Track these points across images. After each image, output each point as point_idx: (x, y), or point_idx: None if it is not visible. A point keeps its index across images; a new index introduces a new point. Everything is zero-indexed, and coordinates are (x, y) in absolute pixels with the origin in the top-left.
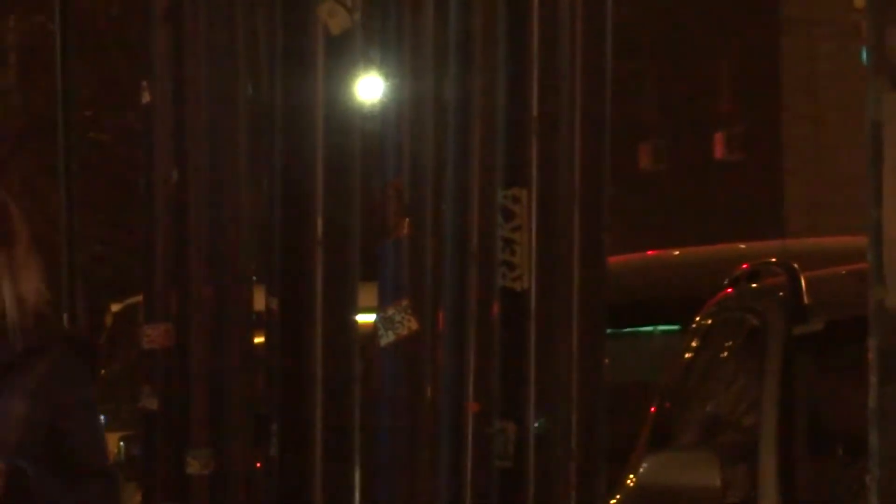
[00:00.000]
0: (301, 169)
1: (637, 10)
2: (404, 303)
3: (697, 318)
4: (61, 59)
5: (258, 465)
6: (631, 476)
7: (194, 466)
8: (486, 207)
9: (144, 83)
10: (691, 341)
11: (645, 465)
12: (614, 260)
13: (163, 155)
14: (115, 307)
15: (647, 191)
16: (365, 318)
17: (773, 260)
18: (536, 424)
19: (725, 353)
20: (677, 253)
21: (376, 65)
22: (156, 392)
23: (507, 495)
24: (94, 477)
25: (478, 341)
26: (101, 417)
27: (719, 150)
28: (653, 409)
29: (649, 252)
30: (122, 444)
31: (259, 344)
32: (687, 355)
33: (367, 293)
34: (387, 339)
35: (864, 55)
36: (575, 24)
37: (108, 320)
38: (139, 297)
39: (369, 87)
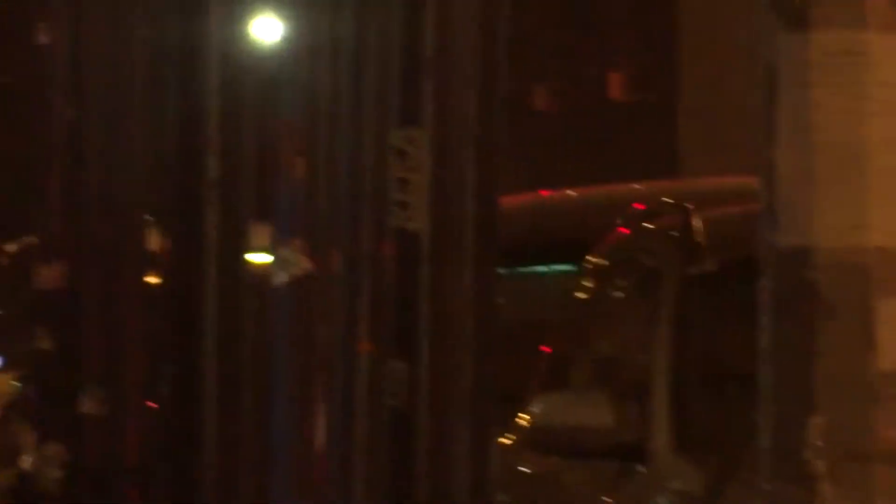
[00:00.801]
0: (196, 109)
1: None
2: (297, 243)
3: (592, 258)
4: None
5: (152, 404)
6: (524, 416)
7: (88, 406)
8: (379, 147)
9: (41, 24)
10: (585, 281)
11: (538, 404)
12: (508, 200)
13: (59, 94)
14: (9, 247)
15: (541, 130)
16: (259, 258)
17: (667, 200)
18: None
19: (619, 293)
20: (571, 193)
21: (271, 5)
22: (50, 332)
23: (400, 434)
24: None
25: (371, 281)
26: None
27: (614, 90)
28: (547, 349)
29: (543, 192)
30: (16, 384)
31: (153, 284)
32: (581, 295)
33: (261, 233)
34: (280, 278)
35: None
36: None
37: (3, 261)
38: (34, 238)
39: (264, 28)
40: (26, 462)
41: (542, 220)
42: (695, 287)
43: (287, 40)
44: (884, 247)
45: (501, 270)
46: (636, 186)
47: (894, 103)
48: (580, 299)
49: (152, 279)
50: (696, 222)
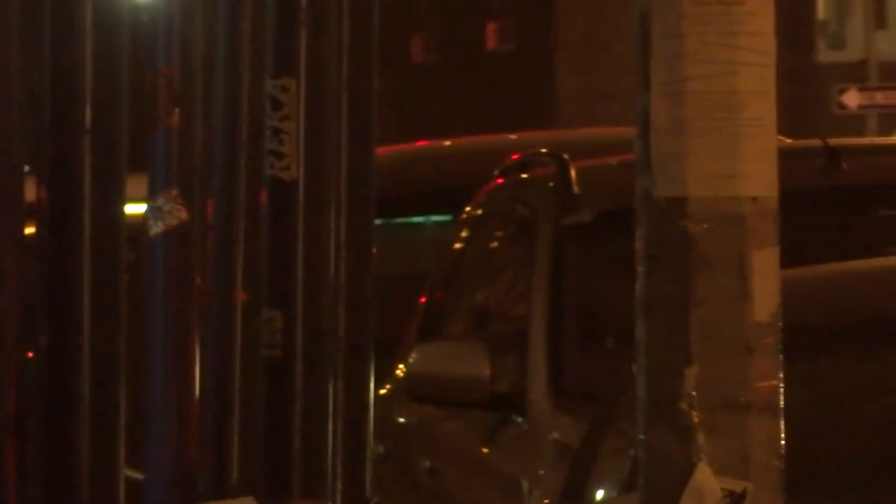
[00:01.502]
0: (70, 57)
1: None
2: (174, 192)
3: (468, 209)
4: None
5: (29, 354)
6: (401, 366)
7: None
8: (255, 97)
9: None
10: (461, 231)
11: (414, 354)
12: (385, 150)
13: None
14: None
15: (419, 82)
16: (135, 209)
17: (544, 150)
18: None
19: (496, 244)
20: (448, 143)
21: None
22: None
23: (276, 384)
24: None
25: (246, 231)
26: None
27: (491, 41)
28: (423, 299)
29: (420, 142)
30: None
31: (30, 234)
32: (457, 245)
33: (138, 183)
34: (156, 228)
35: None
36: None
37: None
38: None
39: None
40: None
41: (418, 171)
42: (571, 236)
43: None
44: (757, 197)
45: (377, 221)
46: (512, 137)
47: (767, 53)
48: (456, 249)
49: (29, 229)
50: (572, 172)
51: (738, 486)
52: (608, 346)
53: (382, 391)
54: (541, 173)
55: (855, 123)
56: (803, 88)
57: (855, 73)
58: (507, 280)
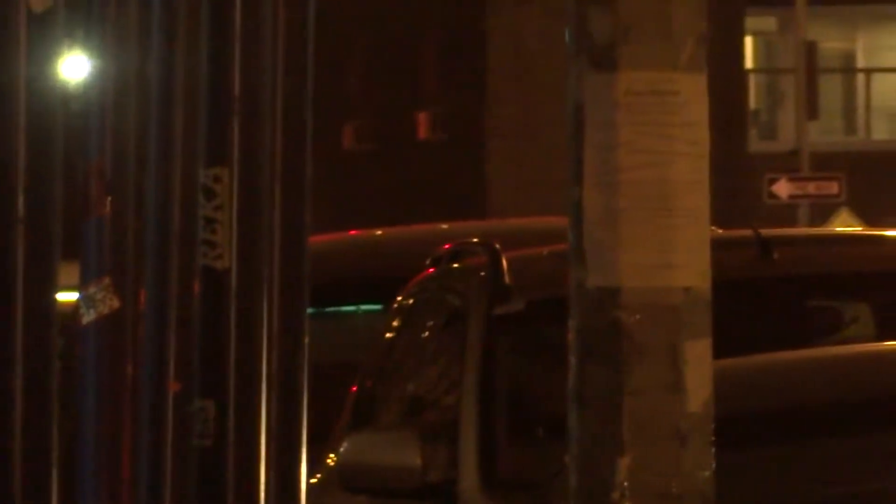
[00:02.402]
0: (3, 146)
1: None
2: (105, 281)
3: (399, 298)
4: None
5: None
6: (332, 455)
7: None
8: (187, 186)
9: None
10: (393, 321)
11: (345, 444)
12: (317, 239)
13: None
14: None
15: (351, 170)
16: (67, 297)
17: (475, 240)
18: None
19: (427, 333)
20: (380, 232)
21: (80, 43)
22: None
23: (208, 473)
24: None
25: (179, 320)
26: None
27: (423, 130)
28: (354, 388)
29: (352, 231)
30: None
31: None
32: (389, 335)
33: (70, 271)
34: (88, 317)
35: (567, 35)
36: (278, 3)
37: None
38: None
39: (73, 66)
40: None
41: (350, 260)
42: (502, 327)
43: (96, 79)
44: (690, 287)
45: (310, 310)
46: (444, 226)
47: (700, 143)
48: (388, 338)
49: None
50: (503, 262)
51: None
52: (540, 436)
53: (314, 480)
54: (472, 263)
55: (786, 213)
56: (735, 178)
57: (786, 164)
58: (438, 369)
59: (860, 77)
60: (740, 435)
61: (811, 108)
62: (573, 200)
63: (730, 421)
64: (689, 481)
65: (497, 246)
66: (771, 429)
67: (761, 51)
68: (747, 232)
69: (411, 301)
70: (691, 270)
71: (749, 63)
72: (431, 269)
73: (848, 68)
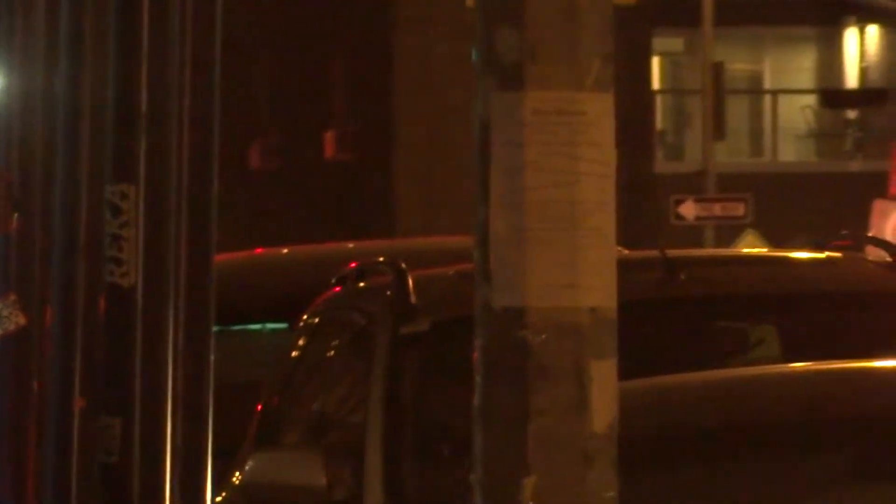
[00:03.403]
0: None
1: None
2: (12, 297)
3: (305, 317)
4: None
5: None
6: (237, 474)
7: None
8: (94, 203)
9: None
10: (298, 339)
11: (250, 463)
12: (223, 258)
13: None
14: None
15: (257, 189)
16: None
17: (381, 259)
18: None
19: (333, 352)
20: (286, 251)
21: None
22: None
23: (113, 491)
24: None
25: (85, 337)
26: None
27: (330, 149)
28: (259, 406)
29: (258, 250)
30: None
31: None
32: (294, 353)
33: None
34: None
35: (474, 54)
36: (185, 21)
37: None
38: None
39: None
40: None
41: (256, 278)
42: (408, 346)
43: (2, 95)
44: (596, 307)
45: (215, 328)
46: (350, 245)
47: (607, 164)
48: (293, 357)
49: None
50: (409, 282)
51: None
52: (445, 455)
53: (219, 499)
54: (378, 282)
55: (693, 234)
56: (641, 199)
57: (693, 184)
58: (344, 388)
59: (767, 98)
60: (645, 456)
61: (718, 129)
62: (479, 220)
63: (634, 442)
64: (593, 502)
65: (403, 265)
66: (676, 450)
67: (668, 71)
68: (653, 252)
69: (317, 320)
70: (597, 290)
71: (656, 83)
72: (337, 288)
73: (755, 90)
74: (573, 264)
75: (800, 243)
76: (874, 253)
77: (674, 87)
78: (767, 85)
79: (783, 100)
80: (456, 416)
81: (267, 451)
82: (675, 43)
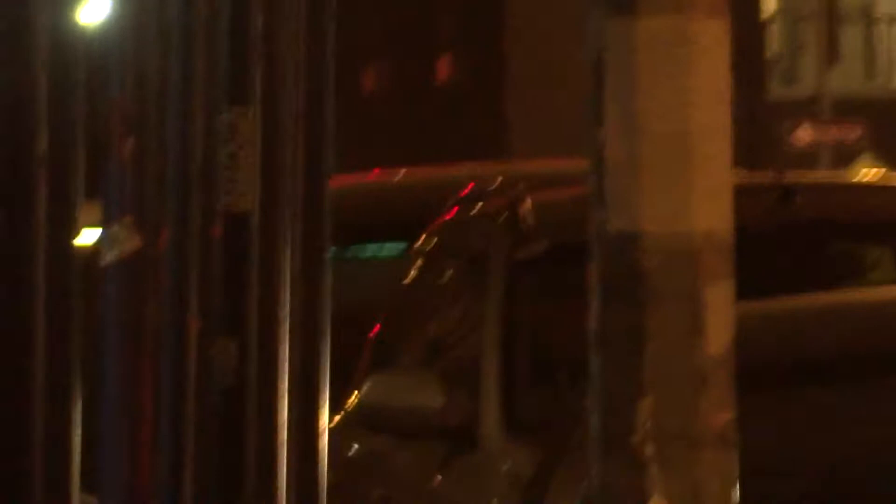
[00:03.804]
0: (25, 88)
1: None
2: (127, 220)
3: (421, 239)
4: None
5: None
6: (353, 396)
7: None
8: (209, 126)
9: None
10: (415, 262)
11: (367, 385)
12: (338, 181)
13: None
14: None
15: (371, 113)
16: (88, 236)
17: (497, 183)
18: None
19: (449, 275)
20: (402, 174)
21: None
22: None
23: (229, 412)
24: None
25: (200, 260)
26: None
27: (443, 73)
28: (376, 329)
29: (374, 172)
30: None
31: None
32: (410, 276)
33: (91, 211)
34: (110, 256)
35: None
36: None
37: None
38: None
39: (94, 8)
40: None
41: (372, 202)
42: (524, 270)
43: (116, 21)
44: (709, 232)
45: (331, 251)
46: (466, 169)
47: (719, 91)
48: (410, 280)
49: None
50: (525, 205)
51: None
52: (561, 378)
53: (336, 420)
54: (494, 206)
55: (807, 159)
56: (756, 125)
57: (807, 110)
58: (460, 312)
59: (882, 24)
60: (761, 378)
61: (832, 53)
62: (594, 144)
63: (751, 364)
64: (710, 424)
65: (519, 188)
66: (791, 372)
67: None
68: (769, 177)
69: (433, 242)
70: (712, 215)
71: (770, 9)
72: (453, 211)
73: (868, 14)
74: (688, 189)
75: None
76: None
77: (787, 12)
78: (883, 10)
79: None
80: (571, 340)
81: (384, 374)
82: None
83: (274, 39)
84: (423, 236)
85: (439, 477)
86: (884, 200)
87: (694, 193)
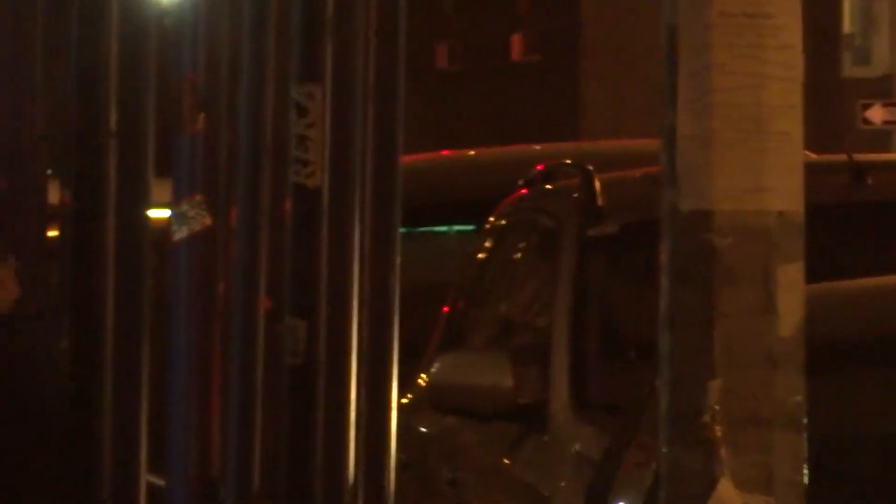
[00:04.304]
0: (96, 62)
1: None
2: (198, 198)
3: (492, 219)
4: None
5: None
6: (423, 375)
7: None
8: (280, 104)
9: None
10: (485, 241)
11: (437, 364)
12: (409, 159)
13: None
14: None
15: (443, 90)
16: (159, 214)
17: (568, 161)
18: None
19: (519, 254)
20: (472, 153)
21: None
22: None
23: (298, 392)
24: None
25: (271, 238)
26: None
27: (516, 52)
28: (446, 309)
29: (444, 152)
30: None
31: (53, 237)
32: (481, 255)
33: (163, 188)
34: (180, 233)
35: None
36: None
37: None
38: None
39: None
40: None
41: (443, 180)
42: (595, 248)
43: None
44: (783, 211)
45: (402, 229)
46: (537, 147)
47: (794, 67)
48: (480, 259)
49: (53, 232)
50: (597, 184)
51: (760, 501)
52: (631, 358)
53: (405, 400)
54: (565, 184)
55: (880, 139)
56: (828, 103)
57: (880, 89)
58: (530, 291)
59: None
60: (833, 360)
61: None
62: (666, 123)
63: (822, 346)
64: (779, 405)
65: (590, 167)
66: (865, 354)
67: None
68: (841, 157)
69: (504, 222)
70: (784, 194)
71: None
72: (525, 190)
73: None
74: (760, 168)
75: None
76: None
77: None
78: None
79: None
80: (642, 320)
81: (454, 353)
82: None
83: (345, 16)
84: (494, 215)
85: (508, 458)
86: None
87: (766, 172)
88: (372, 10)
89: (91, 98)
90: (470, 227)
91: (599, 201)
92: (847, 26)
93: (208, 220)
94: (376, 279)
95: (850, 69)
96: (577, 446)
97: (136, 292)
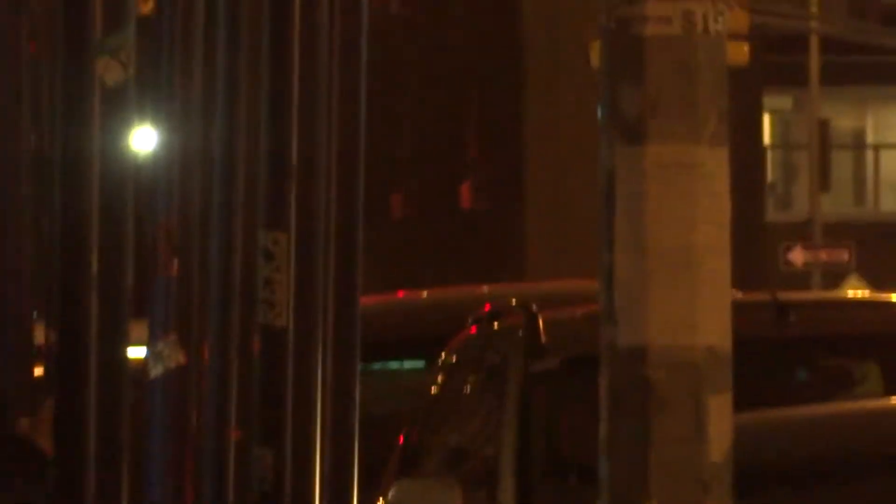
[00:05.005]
0: (78, 212)
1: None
2: (172, 337)
3: (443, 355)
4: None
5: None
6: (380, 500)
7: None
8: (248, 249)
9: None
10: (437, 376)
11: (393, 489)
12: (367, 300)
13: None
14: None
15: (398, 236)
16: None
17: (513, 301)
18: None
19: (468, 388)
20: (425, 294)
21: (149, 116)
22: None
23: None
24: None
25: (240, 373)
26: None
27: (466, 199)
28: (401, 438)
29: (399, 293)
30: None
31: (39, 376)
32: (433, 389)
33: (140, 328)
34: (156, 371)
35: (599, 110)
36: (332, 82)
37: None
38: None
39: (143, 137)
40: None
41: (398, 319)
42: (539, 382)
43: (163, 149)
44: (712, 345)
45: (361, 365)
46: (485, 289)
47: (722, 213)
48: (432, 393)
49: (37, 371)
50: (540, 323)
51: None
52: (573, 483)
53: None
54: (511, 323)
55: (801, 279)
56: (753, 245)
57: (800, 232)
58: (479, 422)
59: (870, 153)
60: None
61: (823, 181)
62: (605, 264)
63: (747, 471)
64: None
65: (534, 307)
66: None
67: (778, 127)
68: (765, 295)
69: (454, 358)
70: (714, 330)
71: (767, 139)
72: (473, 329)
73: (858, 144)
74: (692, 305)
75: None
76: None
77: (783, 142)
78: (870, 140)
79: (885, 154)
80: (583, 447)
81: (408, 479)
82: (785, 101)
83: (309, 169)
84: (445, 351)
85: None
86: (871, 315)
87: (698, 309)
88: (333, 162)
89: (74, 245)
90: (422, 364)
91: (543, 339)
92: (770, 175)
93: (182, 358)
94: (337, 411)
95: (772, 214)
96: None
97: (115, 427)
